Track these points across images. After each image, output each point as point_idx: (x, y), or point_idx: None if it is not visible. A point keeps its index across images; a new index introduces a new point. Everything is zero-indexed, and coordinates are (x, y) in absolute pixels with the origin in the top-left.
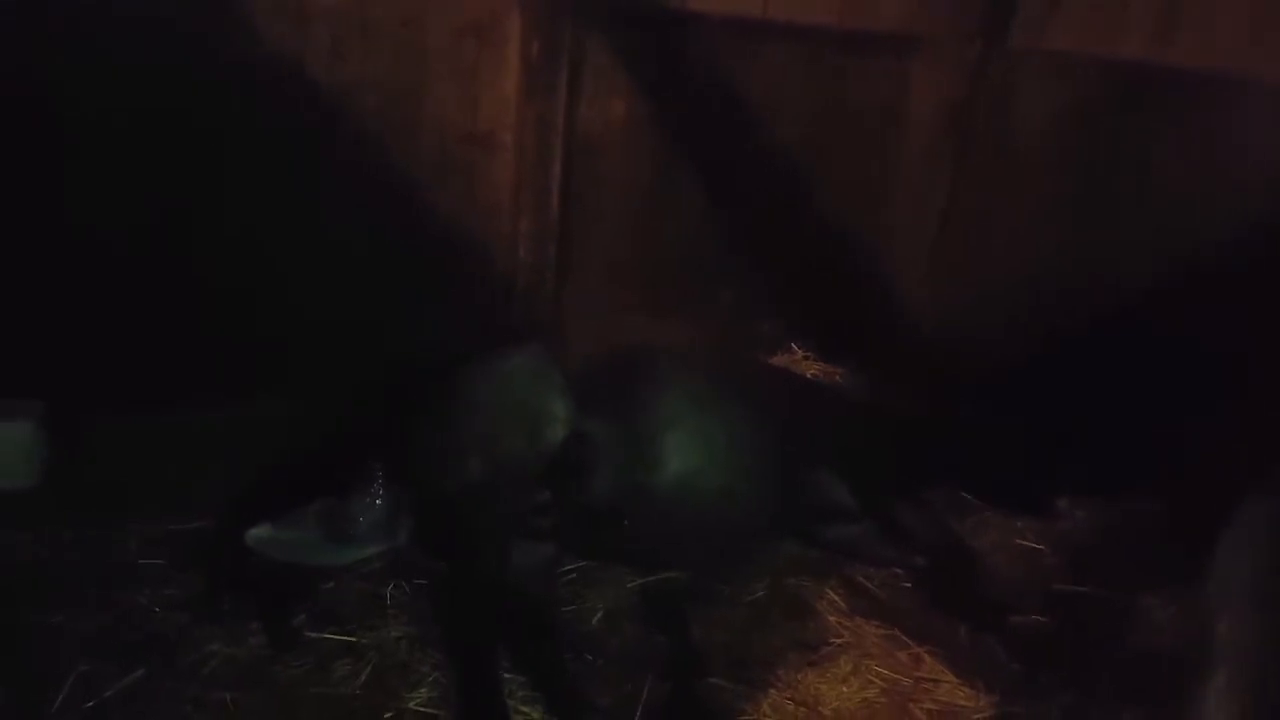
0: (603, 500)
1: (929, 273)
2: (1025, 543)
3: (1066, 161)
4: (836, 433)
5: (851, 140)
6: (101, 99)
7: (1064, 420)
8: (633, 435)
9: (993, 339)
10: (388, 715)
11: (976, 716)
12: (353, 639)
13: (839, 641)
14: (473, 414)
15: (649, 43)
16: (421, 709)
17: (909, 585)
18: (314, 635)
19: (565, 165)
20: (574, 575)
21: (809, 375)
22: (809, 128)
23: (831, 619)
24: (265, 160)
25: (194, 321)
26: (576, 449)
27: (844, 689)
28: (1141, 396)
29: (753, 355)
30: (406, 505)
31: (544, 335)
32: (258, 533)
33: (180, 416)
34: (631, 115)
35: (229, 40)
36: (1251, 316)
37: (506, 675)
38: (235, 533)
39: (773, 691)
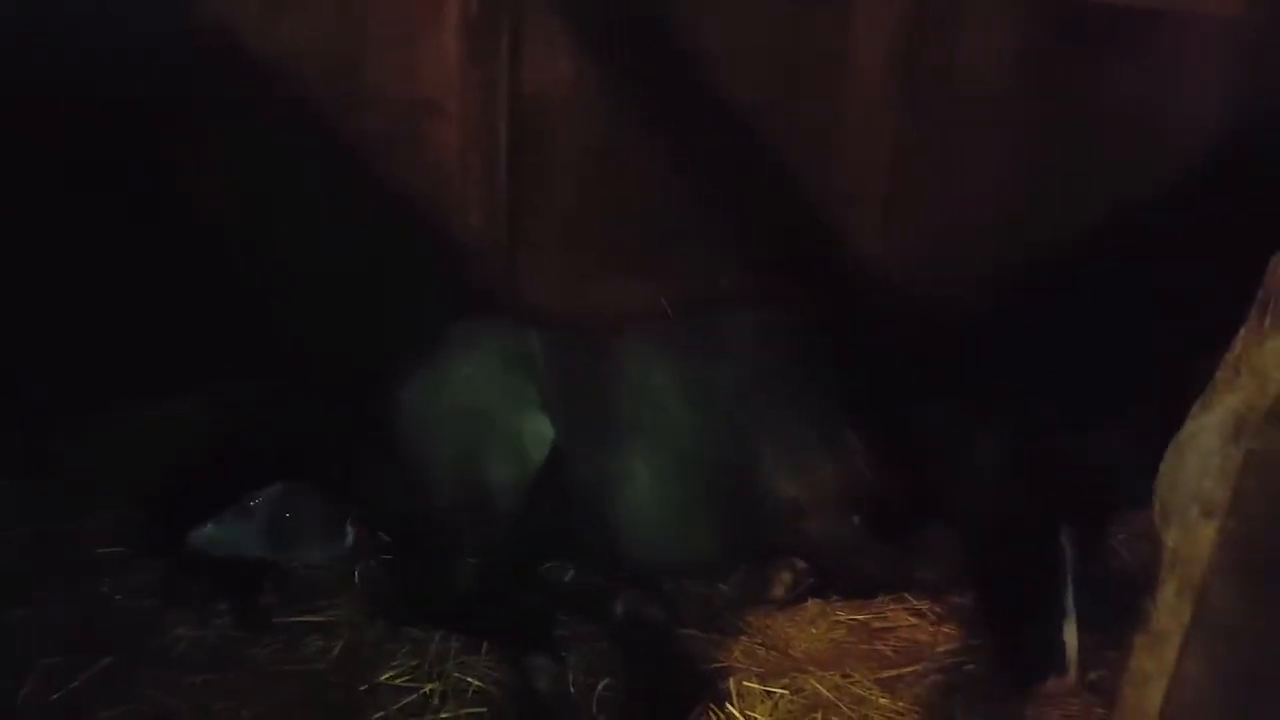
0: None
1: (883, 220)
2: None
3: (1013, 98)
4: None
5: (801, 87)
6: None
7: (1027, 358)
8: (607, 445)
9: (949, 281)
10: (363, 688)
11: (940, 649)
12: (322, 618)
13: (804, 587)
14: (439, 428)
15: None
16: (396, 682)
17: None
18: (284, 614)
19: (512, 129)
20: None
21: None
22: (758, 77)
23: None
24: (202, 135)
25: (140, 310)
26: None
27: (812, 631)
28: (1102, 330)
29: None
30: (354, 514)
31: (500, 301)
32: (200, 533)
33: (134, 408)
34: (578, 74)
35: (158, 10)
36: (1206, 243)
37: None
38: (187, 521)
39: (744, 638)
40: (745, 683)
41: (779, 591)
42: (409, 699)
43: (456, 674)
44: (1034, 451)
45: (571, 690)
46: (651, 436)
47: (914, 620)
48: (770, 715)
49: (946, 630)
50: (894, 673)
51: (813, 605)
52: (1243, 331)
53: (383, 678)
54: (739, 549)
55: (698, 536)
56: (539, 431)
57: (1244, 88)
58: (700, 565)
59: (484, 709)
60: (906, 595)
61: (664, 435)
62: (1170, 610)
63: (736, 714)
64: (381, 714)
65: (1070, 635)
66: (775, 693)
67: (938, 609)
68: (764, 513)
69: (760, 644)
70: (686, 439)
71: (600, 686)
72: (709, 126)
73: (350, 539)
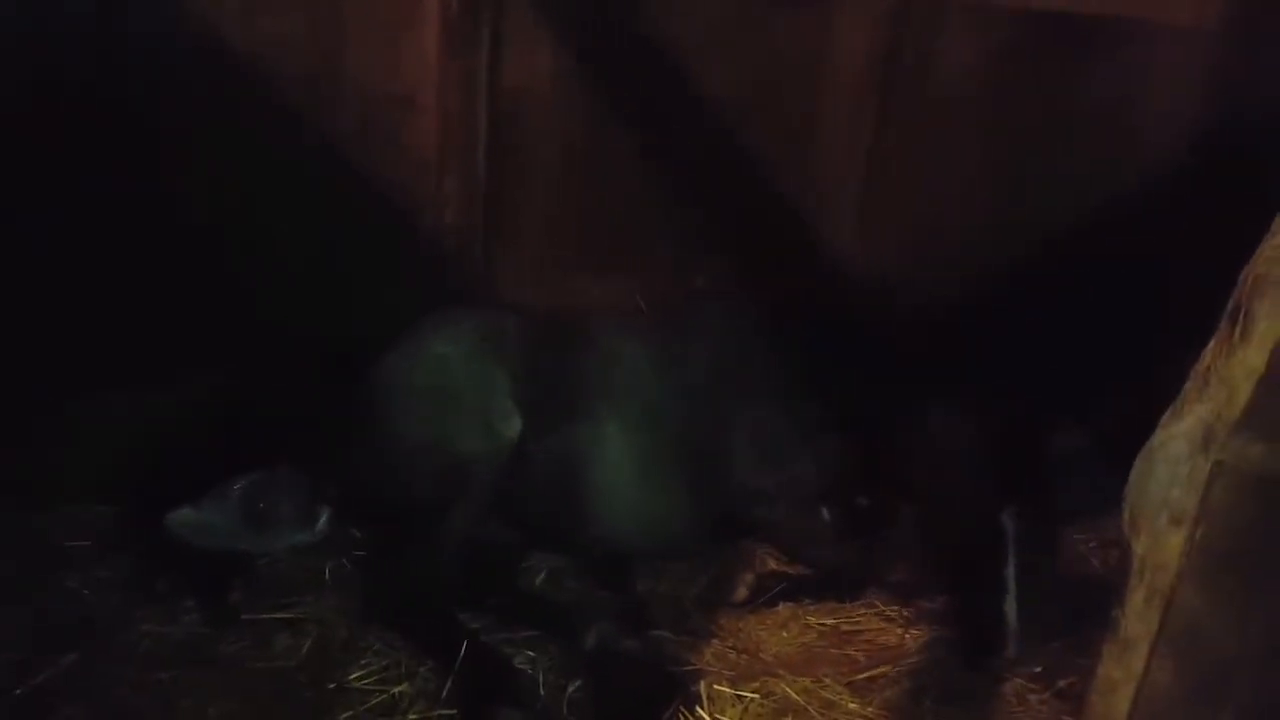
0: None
1: (859, 220)
2: None
3: (990, 107)
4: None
5: (780, 89)
6: None
7: (997, 359)
8: (573, 431)
9: (923, 280)
10: (331, 687)
11: (910, 653)
12: (292, 615)
13: (777, 590)
14: (414, 408)
15: None
16: (365, 681)
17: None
18: (253, 611)
19: (491, 124)
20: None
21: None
22: (738, 76)
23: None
24: (183, 130)
25: (112, 299)
26: None
27: (783, 634)
28: (1074, 332)
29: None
30: (327, 496)
31: (477, 298)
32: (178, 516)
33: (103, 398)
34: (558, 68)
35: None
36: (1177, 250)
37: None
38: (157, 514)
39: (715, 641)
40: (716, 686)
41: (742, 593)
42: (378, 699)
43: (425, 675)
44: (992, 439)
45: (542, 692)
46: (621, 419)
47: (884, 624)
48: (740, 719)
49: (916, 634)
50: (864, 676)
51: (784, 609)
52: (1212, 342)
53: (352, 677)
54: (706, 534)
55: (665, 518)
56: (511, 411)
57: (1213, 96)
58: (667, 549)
59: (453, 711)
60: (876, 600)
61: (634, 418)
62: (1138, 618)
63: (706, 717)
64: (350, 713)
65: (1010, 610)
66: (746, 696)
67: (908, 613)
68: (733, 499)
69: (731, 647)
70: (656, 422)
71: (571, 689)
72: (688, 124)
73: (324, 522)
